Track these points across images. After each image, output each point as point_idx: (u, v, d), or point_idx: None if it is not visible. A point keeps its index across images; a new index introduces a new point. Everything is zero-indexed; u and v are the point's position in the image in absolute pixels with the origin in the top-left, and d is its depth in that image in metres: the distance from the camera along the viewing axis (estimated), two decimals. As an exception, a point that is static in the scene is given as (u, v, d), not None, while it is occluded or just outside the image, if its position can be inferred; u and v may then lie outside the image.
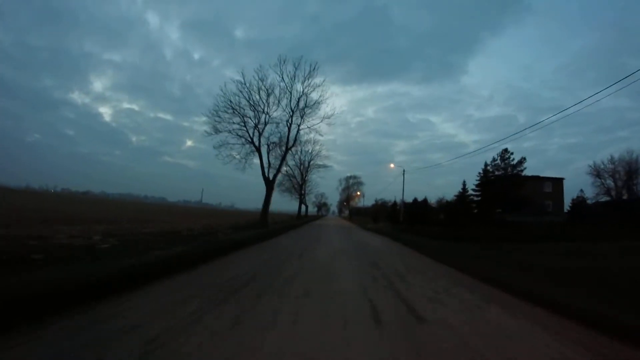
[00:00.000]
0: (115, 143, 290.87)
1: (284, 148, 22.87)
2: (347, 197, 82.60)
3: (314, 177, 50.08)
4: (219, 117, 21.07)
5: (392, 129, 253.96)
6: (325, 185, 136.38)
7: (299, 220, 37.60)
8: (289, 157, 45.25)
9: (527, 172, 32.75)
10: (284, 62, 21.44)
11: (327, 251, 9.84)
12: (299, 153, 44.75)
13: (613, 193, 38.37)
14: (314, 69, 21.81)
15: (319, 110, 22.99)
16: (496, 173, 32.53)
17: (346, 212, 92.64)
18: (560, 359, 2.61)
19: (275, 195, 51.35)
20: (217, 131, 20.93)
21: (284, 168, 44.45)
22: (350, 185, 77.98)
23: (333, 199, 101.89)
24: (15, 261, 4.35)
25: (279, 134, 23.00)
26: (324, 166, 47.09)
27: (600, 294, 4.42)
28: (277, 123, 22.74)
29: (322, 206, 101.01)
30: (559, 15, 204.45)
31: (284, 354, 2.45)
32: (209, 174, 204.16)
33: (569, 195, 41.37)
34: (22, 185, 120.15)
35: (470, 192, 36.27)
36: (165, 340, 2.55)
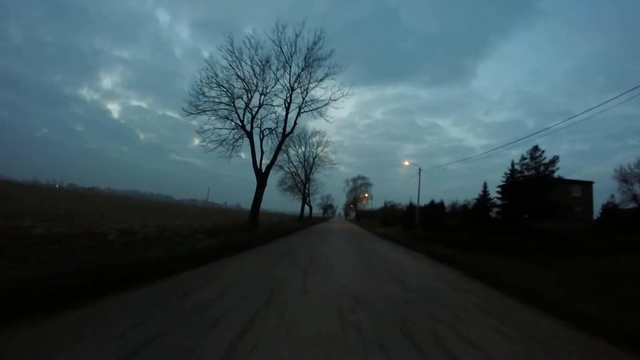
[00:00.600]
0: (123, 140, 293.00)
1: (281, 134, 19.24)
2: (354, 199, 78.68)
3: (319, 176, 46.57)
4: (204, 94, 17.66)
5: (400, 132, 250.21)
6: (332, 187, 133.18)
7: (300, 223, 33.92)
8: (291, 152, 42.10)
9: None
10: (283, 29, 17.65)
11: (325, 303, 4.19)
12: (302, 148, 41.51)
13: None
14: (319, 38, 17.99)
15: (326, 90, 19.09)
16: (525, 173, 28.45)
17: (352, 215, 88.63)
18: None
19: (278, 194, 47.95)
20: (198, 110, 17.43)
21: (287, 165, 41.12)
22: (358, 186, 74.12)
23: (339, 201, 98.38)
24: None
25: (275, 119, 19.36)
26: (330, 163, 43.69)
27: None
28: (274, 106, 19.23)
29: (328, 208, 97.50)
30: (569, 19, 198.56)
31: None
32: (216, 173, 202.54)
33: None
34: (29, 180, 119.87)
35: (493, 195, 32.26)
36: None
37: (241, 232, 14.35)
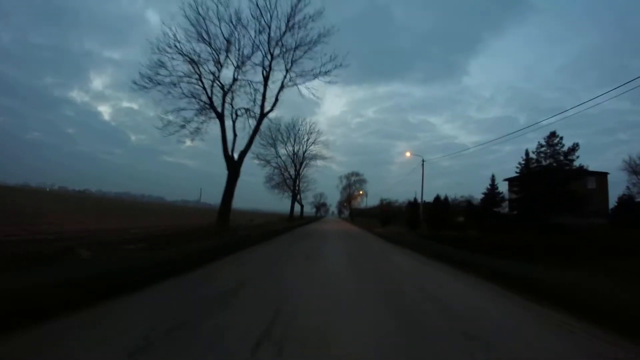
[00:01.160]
0: (115, 142, 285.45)
1: (259, 115, 15.40)
2: (348, 197, 74.80)
3: (311, 171, 42.81)
4: (162, 64, 13.80)
5: (393, 130, 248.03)
6: (325, 185, 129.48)
7: (289, 223, 30.07)
8: (280, 150, 38.06)
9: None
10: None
11: None
12: (291, 141, 37.65)
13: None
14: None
15: (315, 61, 15.38)
16: (543, 163, 25.14)
17: (346, 213, 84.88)
18: None
19: (266, 192, 43.74)
20: (152, 83, 13.57)
21: (274, 159, 37.17)
22: (352, 183, 70.22)
23: (332, 200, 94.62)
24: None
25: (252, 95, 15.49)
26: (322, 157, 39.97)
27: None
28: (251, 82, 15.39)
29: (320, 206, 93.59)
30: (562, 15, 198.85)
31: None
32: (209, 174, 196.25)
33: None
34: (20, 183, 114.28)
35: (502, 189, 28.99)
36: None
37: (203, 238, 10.57)
